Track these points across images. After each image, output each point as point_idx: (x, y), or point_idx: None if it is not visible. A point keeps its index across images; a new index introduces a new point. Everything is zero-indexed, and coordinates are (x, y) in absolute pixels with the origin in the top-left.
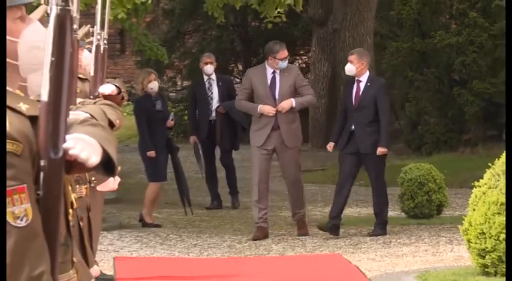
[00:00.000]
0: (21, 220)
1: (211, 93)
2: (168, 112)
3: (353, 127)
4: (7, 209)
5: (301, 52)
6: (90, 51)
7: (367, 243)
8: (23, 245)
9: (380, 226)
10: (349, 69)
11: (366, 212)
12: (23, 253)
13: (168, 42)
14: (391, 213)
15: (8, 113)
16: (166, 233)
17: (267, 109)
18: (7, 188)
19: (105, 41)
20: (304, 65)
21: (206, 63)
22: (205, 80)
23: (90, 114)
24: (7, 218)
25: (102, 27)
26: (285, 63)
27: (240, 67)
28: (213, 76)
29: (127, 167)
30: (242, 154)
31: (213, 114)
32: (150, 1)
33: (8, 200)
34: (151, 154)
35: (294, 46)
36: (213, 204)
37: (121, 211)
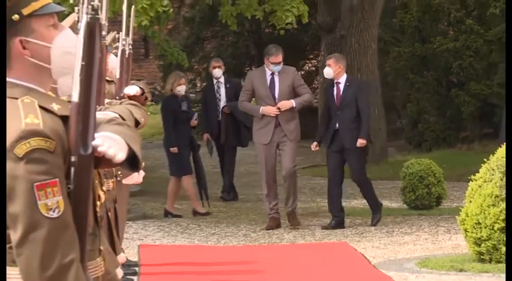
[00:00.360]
0: (54, 212)
1: (219, 95)
2: (193, 113)
3: (337, 125)
4: (40, 202)
5: (311, 56)
6: (116, 55)
7: (371, 232)
8: (55, 234)
9: (377, 211)
10: (328, 72)
11: None
12: (55, 242)
13: (188, 47)
14: (393, 205)
15: (42, 112)
16: (186, 223)
17: (269, 110)
18: (41, 182)
19: (130, 46)
20: (313, 68)
21: (214, 67)
22: (214, 83)
23: (119, 114)
24: (40, 210)
25: (127, 34)
26: (277, 68)
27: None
28: (221, 79)
29: (150, 162)
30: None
31: (220, 114)
32: (171, 10)
33: (41, 193)
34: (174, 150)
35: (304, 51)
36: (229, 196)
37: (145, 203)
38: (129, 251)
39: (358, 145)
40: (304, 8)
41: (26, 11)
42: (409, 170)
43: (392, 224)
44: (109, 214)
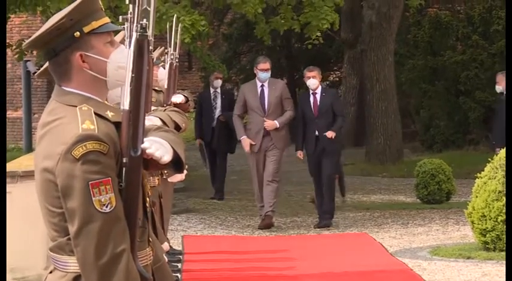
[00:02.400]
0: (106, 207)
1: (216, 103)
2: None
3: (317, 133)
4: (95, 198)
5: (335, 68)
6: (164, 68)
7: (388, 224)
8: (107, 227)
9: (329, 216)
10: (313, 83)
11: (387, 198)
12: (107, 234)
13: (226, 60)
14: (408, 199)
15: (97, 119)
16: (224, 216)
17: (246, 146)
18: (95, 181)
19: (177, 60)
20: (337, 79)
21: (216, 78)
22: (211, 91)
23: (160, 118)
24: (95, 206)
25: (174, 49)
26: (264, 75)
27: (285, 80)
28: (218, 89)
29: (192, 162)
30: (286, 150)
31: (215, 121)
32: (207, 29)
33: (95, 190)
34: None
35: (329, 63)
36: (216, 196)
37: (188, 198)
38: (174, 241)
39: (327, 134)
40: (336, 16)
41: (86, 29)
42: (422, 168)
43: (407, 217)
44: (153, 208)
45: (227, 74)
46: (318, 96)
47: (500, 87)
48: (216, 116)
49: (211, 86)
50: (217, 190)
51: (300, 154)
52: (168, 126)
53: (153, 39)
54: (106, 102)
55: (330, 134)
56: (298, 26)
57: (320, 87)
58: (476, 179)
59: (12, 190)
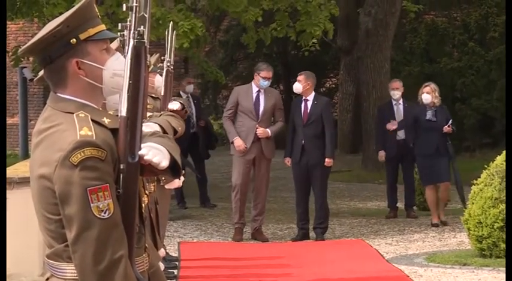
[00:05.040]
0: (105, 213)
1: (191, 109)
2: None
3: (303, 142)
4: (93, 204)
5: (331, 75)
6: (161, 75)
7: (385, 230)
8: (106, 233)
9: (322, 231)
10: (297, 87)
11: (384, 205)
12: (106, 240)
13: (223, 67)
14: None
15: (94, 125)
16: (221, 222)
17: (240, 147)
18: (93, 187)
19: (172, 66)
20: (333, 86)
21: (189, 83)
22: (184, 97)
23: (158, 124)
24: (93, 212)
25: (170, 55)
26: (265, 83)
27: (282, 87)
28: (189, 95)
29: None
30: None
31: (195, 127)
32: (204, 30)
33: (93, 196)
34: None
35: (325, 70)
36: (207, 204)
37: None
38: (170, 248)
39: (325, 164)
40: (330, 26)
41: (83, 36)
42: (417, 175)
43: (403, 223)
44: (151, 214)
45: (224, 81)
46: (309, 103)
47: None
48: (193, 121)
49: (183, 91)
50: (206, 199)
51: (288, 161)
52: (166, 132)
53: (148, 46)
54: (101, 109)
55: (328, 162)
56: (294, 34)
57: (313, 94)
58: (473, 185)
59: (9, 197)
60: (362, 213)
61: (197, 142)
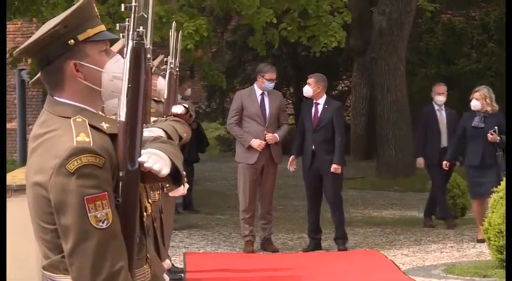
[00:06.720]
0: (103, 223)
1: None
2: None
3: (313, 147)
4: (90, 214)
5: (344, 77)
6: (164, 77)
7: (401, 240)
8: (104, 244)
9: (342, 241)
10: (306, 90)
11: (399, 214)
12: (104, 251)
13: (230, 69)
14: (421, 215)
15: (92, 131)
16: (228, 232)
17: (258, 144)
18: (91, 196)
19: (177, 69)
20: (346, 88)
21: (189, 87)
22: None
23: (163, 129)
24: (90, 222)
25: (174, 57)
26: (270, 85)
27: (292, 90)
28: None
29: (195, 175)
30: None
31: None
32: (212, 34)
33: (91, 206)
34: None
35: (338, 72)
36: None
37: (190, 213)
38: (175, 259)
39: (332, 170)
40: (343, 34)
41: (81, 37)
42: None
43: (420, 233)
44: (155, 224)
45: (226, 85)
46: (320, 107)
47: None
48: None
49: (181, 94)
50: (189, 203)
51: (293, 159)
52: (172, 138)
53: (151, 47)
54: (101, 113)
55: (335, 168)
56: (305, 38)
57: (324, 97)
58: (493, 193)
59: (7, 204)
60: (377, 222)
61: (185, 145)
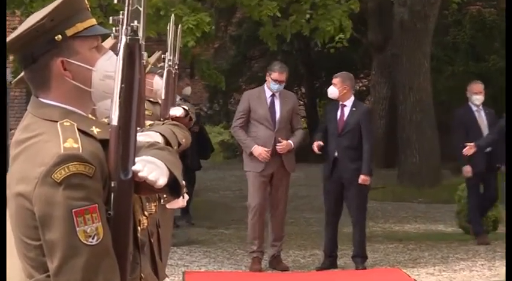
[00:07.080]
0: (93, 239)
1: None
2: None
3: (336, 153)
4: (79, 228)
5: (361, 76)
6: (161, 76)
7: (425, 258)
8: (94, 262)
9: (361, 259)
10: (332, 92)
11: (424, 228)
12: (94, 270)
13: (235, 66)
14: (448, 229)
15: (81, 136)
16: (233, 249)
17: (262, 155)
18: (80, 208)
19: (176, 67)
20: (364, 88)
21: (187, 85)
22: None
23: (161, 133)
24: (79, 237)
25: (172, 54)
26: (276, 87)
27: (303, 90)
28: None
29: (196, 185)
30: (305, 172)
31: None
32: (213, 30)
33: (80, 219)
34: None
35: (355, 70)
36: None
37: (190, 227)
38: (174, 278)
39: (360, 181)
40: (348, 23)
41: (69, 32)
42: (464, 193)
43: (447, 249)
44: (151, 239)
45: (225, 86)
46: (346, 110)
47: None
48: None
49: (179, 94)
50: (186, 211)
51: (317, 145)
52: (170, 144)
53: (143, 43)
54: (91, 116)
55: (363, 179)
56: (307, 30)
57: (352, 99)
58: None
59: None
60: (399, 237)
61: (187, 150)
